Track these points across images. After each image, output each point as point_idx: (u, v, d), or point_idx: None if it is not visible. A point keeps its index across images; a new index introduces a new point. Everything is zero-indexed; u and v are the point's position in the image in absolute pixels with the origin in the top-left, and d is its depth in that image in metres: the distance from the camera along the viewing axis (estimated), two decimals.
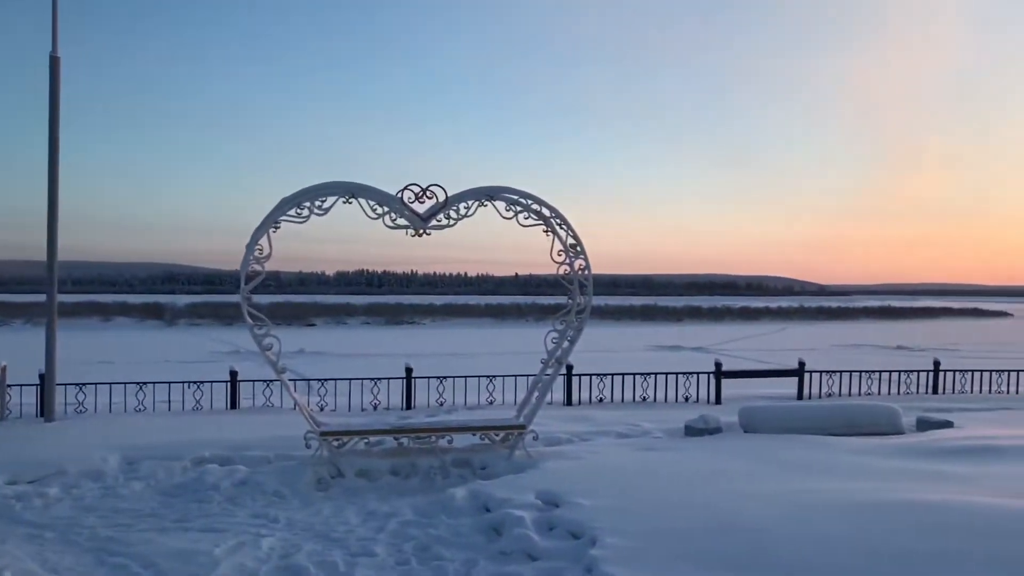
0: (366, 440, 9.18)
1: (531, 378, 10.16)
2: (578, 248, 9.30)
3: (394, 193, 8.62)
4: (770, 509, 6.26)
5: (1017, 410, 14.04)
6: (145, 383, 13.48)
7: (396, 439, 9.26)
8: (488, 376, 14.35)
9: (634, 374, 15.39)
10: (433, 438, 9.21)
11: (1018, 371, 17.32)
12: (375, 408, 13.52)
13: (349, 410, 13.41)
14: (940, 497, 6.37)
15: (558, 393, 14.43)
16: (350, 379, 14.06)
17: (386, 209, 8.69)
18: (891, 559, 5.05)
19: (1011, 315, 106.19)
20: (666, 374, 15.58)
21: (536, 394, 9.70)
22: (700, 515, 6.22)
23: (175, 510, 7.47)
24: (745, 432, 10.88)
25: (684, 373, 15.75)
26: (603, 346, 38.44)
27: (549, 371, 9.68)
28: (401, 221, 8.76)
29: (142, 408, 13.19)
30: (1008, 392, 16.76)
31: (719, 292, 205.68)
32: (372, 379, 13.96)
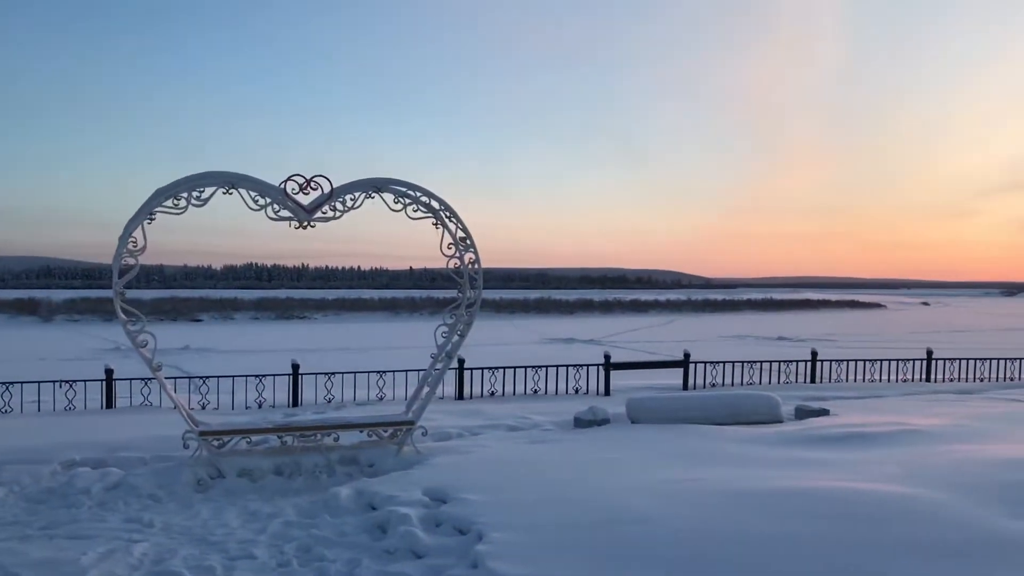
0: (248, 439, 8.88)
1: (422, 373, 10.04)
2: (468, 241, 9.23)
3: (277, 184, 8.36)
4: (655, 499, 6.33)
5: (887, 397, 14.71)
6: (11, 383, 12.70)
7: (279, 438, 8.99)
8: (378, 372, 14.12)
9: (526, 367, 15.44)
10: (318, 436, 8.98)
11: (889, 360, 18.16)
12: (260, 406, 13.12)
13: (233, 408, 12.98)
14: (818, 484, 6.57)
15: (449, 387, 14.34)
16: (233, 376, 13.60)
17: (268, 200, 8.41)
18: (772, 545, 5.16)
19: (885, 307, 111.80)
20: (557, 366, 15.68)
21: (426, 389, 9.59)
22: (587, 507, 6.24)
23: (41, 517, 7.03)
24: (632, 423, 11.04)
25: (574, 365, 15.89)
26: (497, 339, 38.53)
27: (439, 366, 9.58)
28: (284, 213, 8.51)
29: (8, 409, 12.43)
30: (880, 380, 17.54)
31: (611, 286, 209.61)
32: (257, 376, 13.54)
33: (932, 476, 6.60)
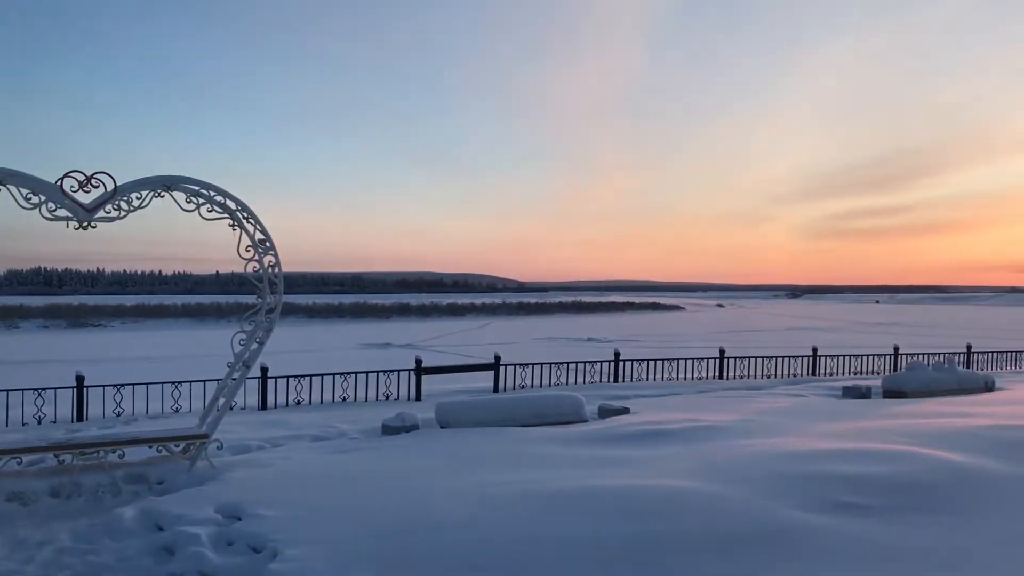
0: (18, 460, 8.08)
1: (219, 383, 9.53)
2: (268, 244, 8.83)
3: (53, 181, 7.67)
4: (460, 504, 6.25)
5: (684, 394, 15.43)
6: None
7: (56, 456, 8.24)
8: (173, 382, 13.30)
9: (334, 374, 15.03)
10: (101, 453, 8.30)
11: (686, 359, 19.11)
12: (40, 422, 12.05)
13: (8, 426, 11.86)
14: (621, 482, 6.70)
15: (252, 397, 13.74)
16: (8, 390, 12.37)
17: (43, 198, 7.69)
18: (576, 545, 5.20)
19: (684, 308, 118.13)
20: (367, 373, 15.38)
21: (221, 400, 9.09)
22: (390, 516, 6.08)
23: None
24: (442, 428, 10.96)
25: (385, 371, 15.65)
26: (310, 345, 37.54)
27: (236, 375, 9.09)
28: (61, 212, 7.81)
29: None
30: (677, 378, 18.40)
31: (428, 290, 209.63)
32: (36, 389, 12.41)
33: (725, 470, 6.90)
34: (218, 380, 9.78)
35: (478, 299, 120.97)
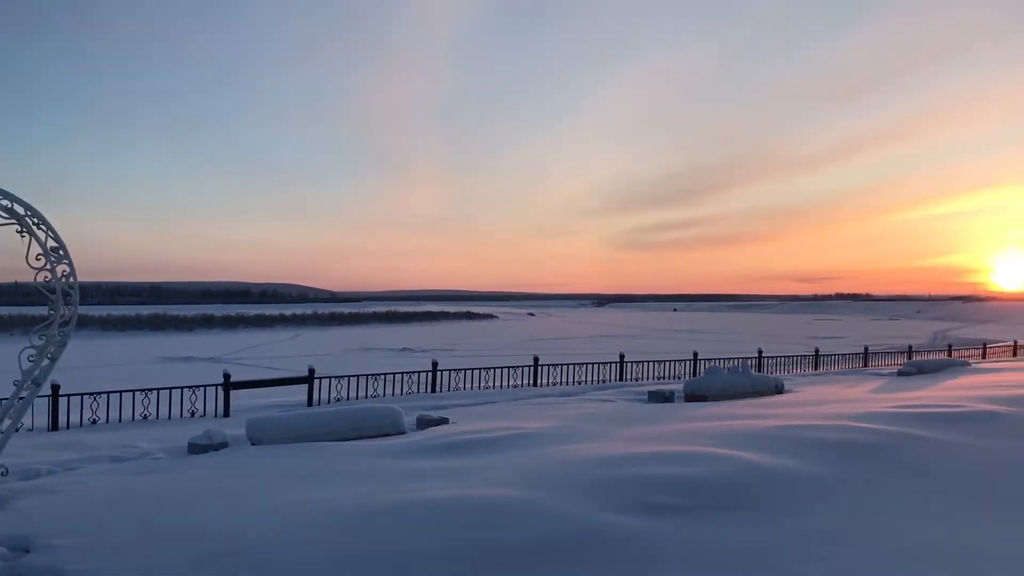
0: None
1: (3, 403, 8.71)
2: (61, 252, 8.17)
3: None
4: (278, 524, 6.00)
5: (501, 402, 15.65)
6: None
7: None
8: None
9: (134, 390, 14.15)
10: None
11: (501, 367, 19.40)
12: None
13: None
14: (440, 493, 6.65)
15: (41, 417, 12.69)
16: None
17: None
18: (398, 560, 5.11)
19: (497, 317, 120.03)
20: (171, 388, 14.58)
21: (7, 422, 8.31)
22: (204, 540, 5.74)
23: None
24: (253, 444, 10.54)
25: (190, 387, 14.89)
26: (104, 360, 35.16)
27: (24, 394, 8.34)
28: None
29: None
30: (493, 387, 18.65)
31: (235, 300, 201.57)
32: None
33: (542, 477, 7.01)
34: (2, 400, 8.96)
35: (288, 309, 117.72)
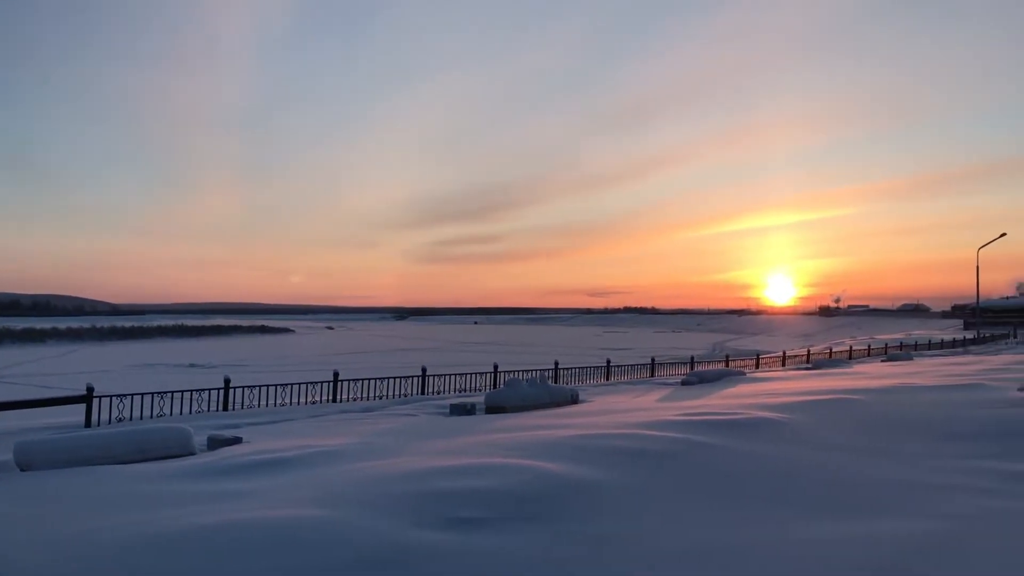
0: None
1: None
2: None
3: None
4: (52, 558, 5.48)
5: (299, 419, 15.19)
6: None
7: None
8: None
9: None
10: None
11: (299, 383, 18.84)
12: None
13: None
14: (232, 517, 6.33)
15: None
16: None
17: None
18: None
19: (294, 331, 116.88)
20: None
21: None
22: None
23: None
24: (22, 471, 9.63)
25: None
26: None
27: None
28: None
29: None
30: (291, 403, 18.08)
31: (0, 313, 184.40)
32: None
33: (342, 495, 6.83)
34: None
35: (62, 323, 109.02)
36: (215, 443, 11.61)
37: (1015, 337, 58.28)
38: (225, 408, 17.38)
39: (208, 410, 17.09)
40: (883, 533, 5.95)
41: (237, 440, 11.77)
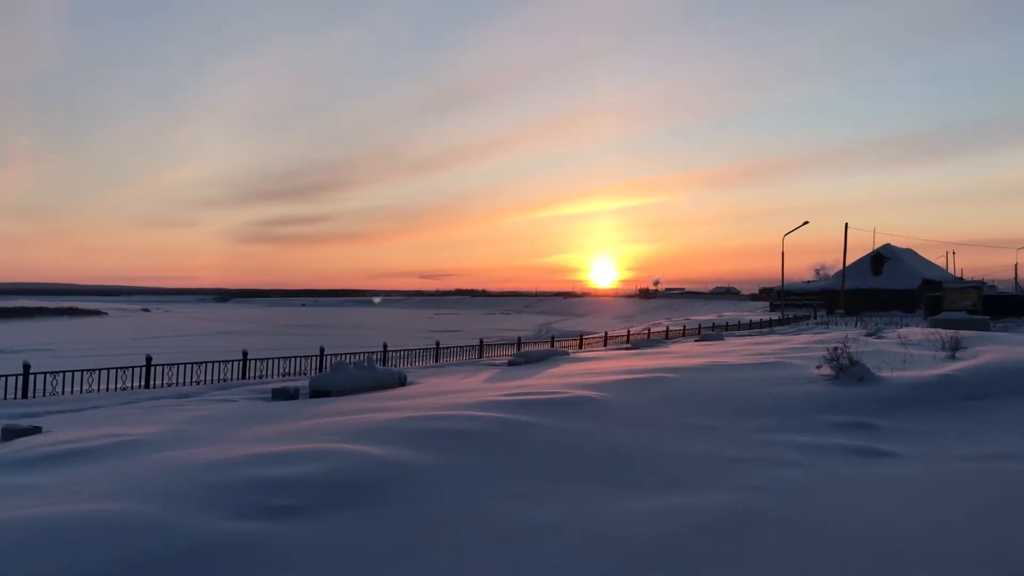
0: None
1: None
2: None
3: None
4: None
5: (107, 407, 14.33)
6: None
7: None
8: None
9: None
10: None
11: (108, 368, 17.77)
12: None
13: None
14: (22, 513, 5.87)
15: None
16: None
17: None
18: None
19: (106, 313, 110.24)
20: None
21: None
22: None
23: None
24: None
25: None
26: None
27: None
28: None
29: None
30: (99, 390, 17.03)
31: None
32: None
33: (148, 487, 6.48)
34: None
35: None
36: (10, 433, 10.76)
37: (815, 318, 62.92)
38: (24, 396, 16.15)
39: (4, 398, 15.83)
40: (687, 505, 6.27)
41: (36, 430, 10.96)
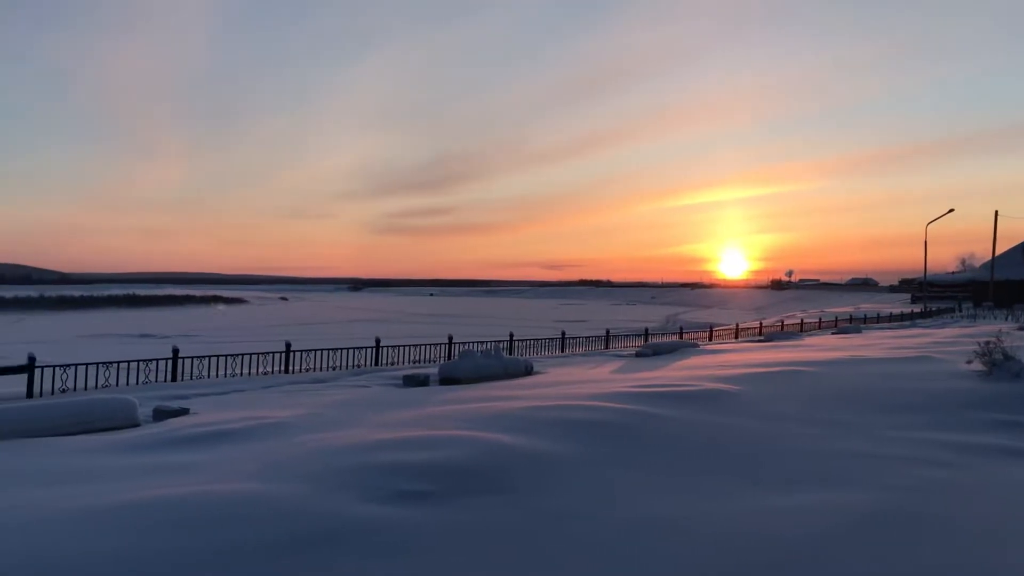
0: None
1: None
2: None
3: None
4: None
5: (248, 391, 14.93)
6: None
7: None
8: None
9: None
10: None
11: (250, 353, 18.53)
12: None
13: None
14: (172, 491, 6.14)
15: None
16: None
17: None
18: (121, 566, 4.61)
19: (247, 301, 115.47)
20: None
21: None
22: None
23: None
24: None
25: None
26: None
27: None
28: None
29: None
30: (241, 374, 17.78)
31: None
32: None
33: (288, 469, 6.68)
34: None
35: (9, 292, 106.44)
36: (161, 415, 11.36)
37: (960, 311, 59.60)
38: (173, 379, 17.04)
39: (156, 381, 16.74)
40: (828, 503, 5.98)
41: (184, 411, 11.52)
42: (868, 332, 33.67)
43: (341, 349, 20.08)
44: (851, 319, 48.93)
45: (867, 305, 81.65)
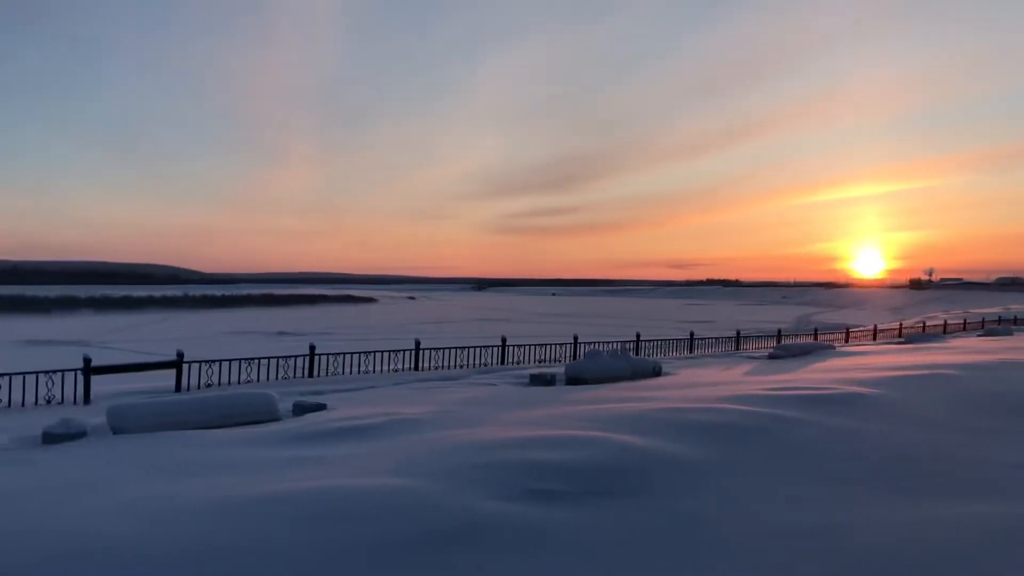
0: None
1: None
2: None
3: None
4: (134, 521, 5.54)
5: (381, 387, 15.31)
6: None
7: None
8: None
9: None
10: None
11: (381, 351, 19.01)
12: None
13: None
14: (311, 484, 6.33)
15: None
16: None
17: None
18: (257, 556, 4.77)
19: (377, 300, 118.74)
20: (24, 374, 13.59)
21: None
22: (56, 539, 5.25)
23: None
24: (115, 433, 9.91)
25: (46, 371, 13.93)
26: None
27: None
28: None
29: None
30: (373, 371, 18.26)
31: (99, 281, 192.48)
32: None
33: (423, 464, 6.78)
34: None
35: (157, 291, 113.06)
36: (300, 409, 11.77)
37: None
38: (310, 375, 17.67)
39: (294, 377, 17.39)
40: (991, 515, 5.61)
41: (321, 407, 11.90)
42: (1020, 334, 31.61)
43: (468, 348, 20.36)
44: (1000, 320, 46.13)
45: (1017, 306, 76.75)
